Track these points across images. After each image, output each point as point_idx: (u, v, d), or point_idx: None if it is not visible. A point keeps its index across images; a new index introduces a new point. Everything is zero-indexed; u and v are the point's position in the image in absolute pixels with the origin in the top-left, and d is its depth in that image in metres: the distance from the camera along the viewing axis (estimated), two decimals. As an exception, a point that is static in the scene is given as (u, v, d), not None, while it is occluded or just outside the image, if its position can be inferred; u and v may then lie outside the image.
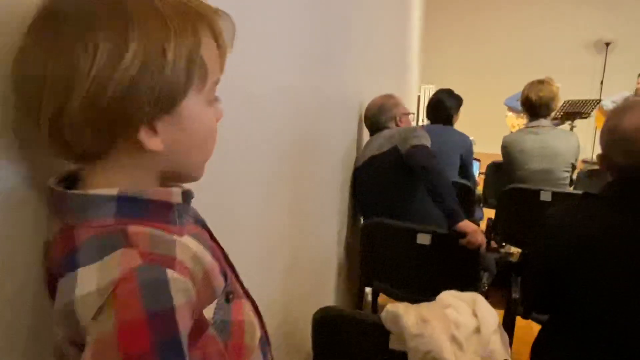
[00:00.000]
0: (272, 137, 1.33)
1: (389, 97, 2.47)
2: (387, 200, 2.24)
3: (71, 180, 0.56)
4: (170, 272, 0.49)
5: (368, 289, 2.49)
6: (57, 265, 0.51)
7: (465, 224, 2.00)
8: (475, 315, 1.32)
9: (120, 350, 0.45)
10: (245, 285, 0.71)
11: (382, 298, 2.53)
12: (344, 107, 2.23)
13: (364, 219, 2.29)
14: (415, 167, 2.13)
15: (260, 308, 0.72)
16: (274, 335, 1.31)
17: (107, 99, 0.47)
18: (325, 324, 1.39)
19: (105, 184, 0.53)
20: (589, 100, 6.14)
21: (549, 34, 7.68)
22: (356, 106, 2.48)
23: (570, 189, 3.04)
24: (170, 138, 0.54)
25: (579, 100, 6.04)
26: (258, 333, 0.68)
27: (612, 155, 1.30)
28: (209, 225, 0.68)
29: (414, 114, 2.99)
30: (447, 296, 1.38)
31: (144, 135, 0.51)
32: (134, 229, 0.51)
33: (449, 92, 3.37)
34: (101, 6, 0.48)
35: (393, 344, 1.29)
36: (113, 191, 0.52)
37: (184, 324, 0.50)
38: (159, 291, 0.48)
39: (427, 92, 4.71)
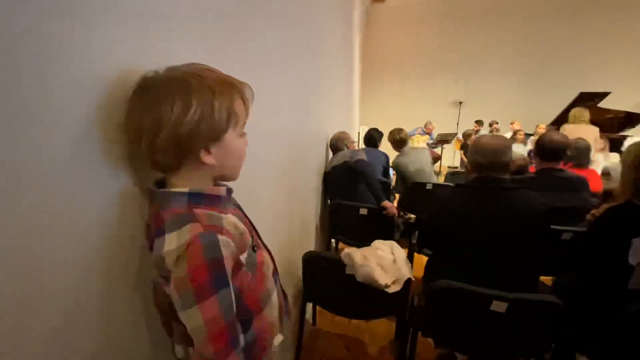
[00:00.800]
0: (276, 158, 1.32)
1: (343, 132, 2.48)
2: (343, 191, 2.24)
3: (160, 183, 0.55)
4: (219, 236, 0.49)
5: (333, 240, 2.49)
6: (153, 234, 0.50)
7: (386, 203, 2.02)
8: (392, 253, 1.34)
9: (190, 281, 0.46)
10: (264, 240, 0.70)
11: (341, 245, 2.54)
12: (317, 137, 2.22)
13: (330, 201, 2.27)
14: (358, 172, 2.15)
15: (273, 252, 0.72)
16: (281, 268, 1.31)
17: (181, 134, 0.48)
18: (309, 261, 1.39)
19: (181, 185, 0.52)
20: (451, 134, 6.29)
21: (426, 96, 7.77)
22: (324, 137, 2.47)
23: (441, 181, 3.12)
24: (219, 156, 0.54)
25: (446, 134, 6.19)
26: (271, 267, 0.68)
27: (475, 159, 1.32)
28: (243, 207, 0.68)
29: (356, 142, 3.00)
30: (378, 243, 1.40)
31: (203, 155, 0.52)
32: (198, 211, 0.50)
33: (375, 130, 3.41)
34: (175, 81, 0.48)
35: (348, 271, 1.30)
36: (185, 189, 0.51)
37: (228, 265, 0.50)
38: (213, 247, 0.48)
39: (363, 130, 4.76)
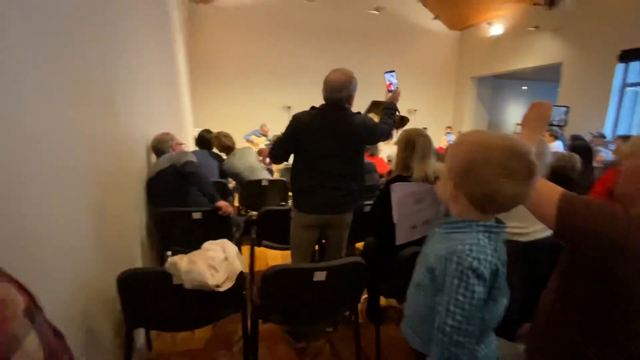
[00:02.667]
0: (98, 165, 1.08)
1: (166, 133, 2.24)
2: (172, 197, 2.03)
3: None
4: None
5: (170, 252, 2.21)
6: None
7: (220, 202, 1.97)
8: (224, 251, 1.32)
9: None
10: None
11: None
12: (135, 141, 1.92)
13: (156, 209, 2.02)
14: (188, 174, 2.00)
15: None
16: (84, 299, 1.07)
17: None
18: (126, 281, 1.18)
19: None
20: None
21: (259, 99, 8.05)
22: (145, 140, 2.17)
23: (277, 177, 3.34)
24: None
25: (280, 135, 6.60)
26: (22, 305, 0.48)
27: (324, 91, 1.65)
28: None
29: (185, 143, 2.79)
30: (207, 244, 1.34)
31: None
32: None
33: (208, 131, 3.36)
34: None
35: (176, 281, 1.19)
36: None
37: None
38: None
39: (197, 132, 4.48)
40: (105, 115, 1.42)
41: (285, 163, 1.98)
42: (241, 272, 1.28)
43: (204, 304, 1.29)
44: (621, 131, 5.36)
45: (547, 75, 7.36)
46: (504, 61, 7.79)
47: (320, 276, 1.29)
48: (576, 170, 1.91)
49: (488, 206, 0.69)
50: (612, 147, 3.95)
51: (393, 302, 2.21)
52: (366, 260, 1.37)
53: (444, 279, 0.69)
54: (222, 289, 1.19)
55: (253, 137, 6.16)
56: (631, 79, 5.52)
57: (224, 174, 3.07)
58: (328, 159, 1.68)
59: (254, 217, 2.67)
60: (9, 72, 0.75)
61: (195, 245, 2.01)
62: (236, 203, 3.09)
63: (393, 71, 1.89)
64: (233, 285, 1.26)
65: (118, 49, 1.64)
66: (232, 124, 6.97)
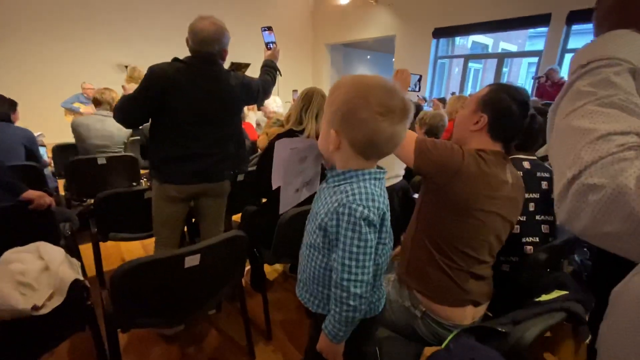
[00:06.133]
0: None
1: None
2: None
3: None
4: None
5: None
6: None
7: (29, 193, 1.40)
8: (41, 258, 0.93)
9: None
10: None
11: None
12: None
13: None
14: None
15: None
16: None
17: None
18: None
19: None
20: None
21: (83, 57, 6.29)
22: None
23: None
24: None
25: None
26: None
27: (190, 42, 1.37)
28: None
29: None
30: (9, 254, 0.91)
31: None
32: None
33: (4, 98, 2.28)
34: None
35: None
36: None
37: None
38: None
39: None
40: None
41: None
42: (76, 280, 0.94)
43: (34, 333, 0.90)
44: (436, 95, 6.85)
45: (386, 47, 8.48)
46: (352, 30, 8.48)
47: (192, 261, 1.08)
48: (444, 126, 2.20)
49: (370, 151, 0.69)
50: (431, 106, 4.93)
51: (277, 266, 2.20)
52: (245, 231, 1.24)
53: (337, 234, 0.68)
54: (45, 311, 0.84)
55: (78, 105, 4.69)
56: (441, 52, 7.01)
57: (32, 151, 2.24)
58: (200, 124, 1.39)
59: (91, 207, 2.09)
60: None
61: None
62: (62, 191, 2.35)
63: (270, 27, 1.69)
64: (66, 300, 0.91)
65: None
66: (44, 89, 5.24)
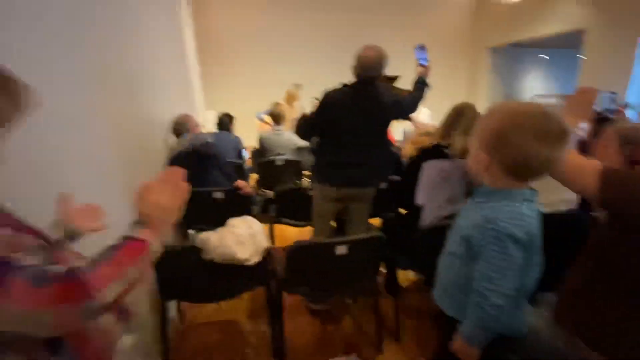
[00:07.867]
0: (103, 151, 1.10)
1: (186, 115, 2.26)
2: (192, 177, 2.01)
3: None
4: None
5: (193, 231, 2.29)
6: None
7: (239, 182, 2.01)
8: (250, 227, 1.37)
9: None
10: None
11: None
12: (152, 125, 1.96)
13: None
14: (207, 155, 2.04)
15: None
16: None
17: None
18: (159, 256, 1.24)
19: None
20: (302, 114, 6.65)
21: (270, 78, 7.93)
22: (160, 122, 2.18)
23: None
24: None
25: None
26: None
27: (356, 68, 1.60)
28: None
29: (202, 125, 2.84)
30: (233, 220, 1.39)
31: None
32: None
33: (226, 114, 3.45)
34: None
35: (205, 256, 1.25)
36: None
37: None
38: None
39: (211, 114, 4.50)
40: (125, 99, 1.44)
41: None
42: (267, 248, 1.33)
43: (231, 277, 1.35)
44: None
45: (570, 42, 6.94)
46: (523, 28, 7.37)
47: (342, 250, 1.33)
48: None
49: (523, 172, 0.69)
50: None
51: (410, 274, 2.25)
52: (385, 235, 1.40)
53: (481, 247, 0.71)
54: (250, 263, 1.25)
55: (264, 117, 6.12)
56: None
57: (239, 153, 3.13)
58: (357, 137, 1.67)
59: (270, 197, 2.73)
60: (43, 61, 0.77)
61: (216, 223, 2.09)
62: (252, 183, 3.16)
63: (424, 46, 1.86)
64: (260, 260, 1.31)
65: (132, 33, 1.64)
66: (246, 106, 6.96)
